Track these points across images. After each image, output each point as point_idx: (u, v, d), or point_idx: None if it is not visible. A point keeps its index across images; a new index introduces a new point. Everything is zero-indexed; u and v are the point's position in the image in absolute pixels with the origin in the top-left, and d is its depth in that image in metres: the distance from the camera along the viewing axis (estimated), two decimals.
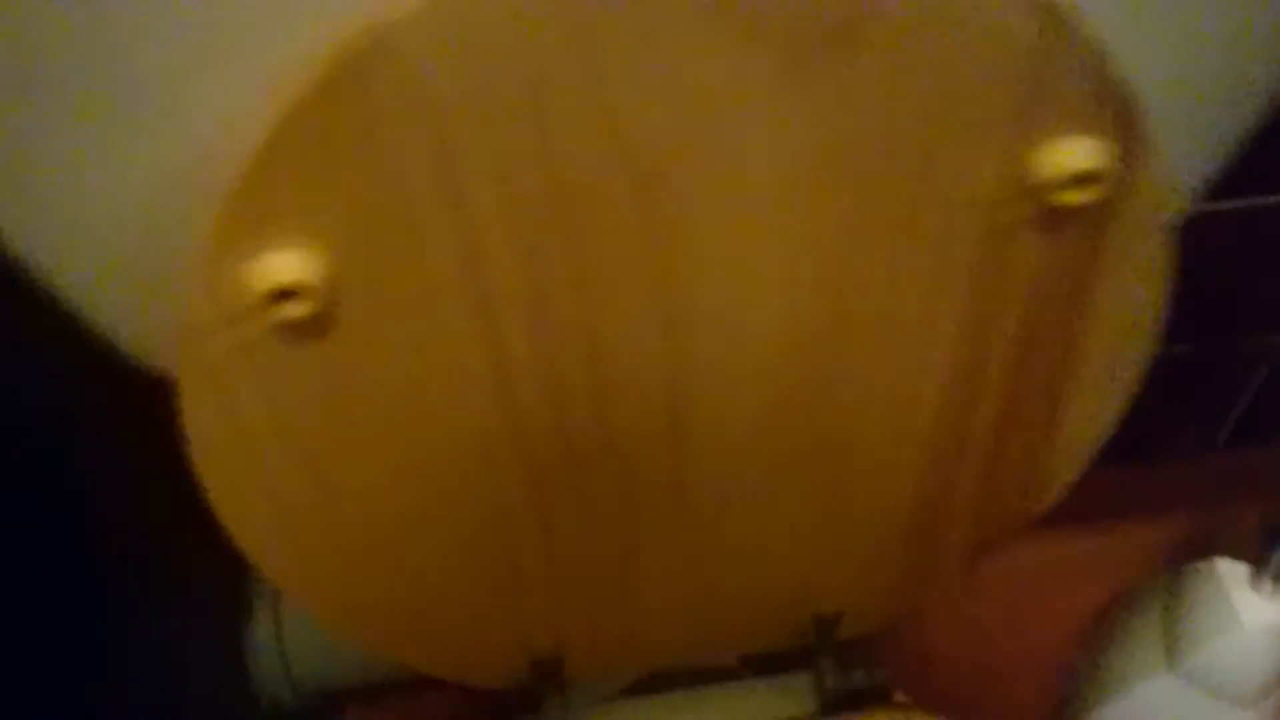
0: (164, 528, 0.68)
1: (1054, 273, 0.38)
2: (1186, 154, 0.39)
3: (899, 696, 0.53)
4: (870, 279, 0.37)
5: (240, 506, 0.41)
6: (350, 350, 0.35)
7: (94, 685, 0.58)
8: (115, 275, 0.36)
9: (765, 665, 0.57)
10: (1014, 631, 0.81)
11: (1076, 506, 0.51)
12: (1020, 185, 0.35)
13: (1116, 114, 0.33)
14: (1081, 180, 0.34)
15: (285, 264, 0.32)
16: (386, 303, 0.34)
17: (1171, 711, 0.67)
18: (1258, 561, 0.63)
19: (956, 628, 0.81)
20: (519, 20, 0.28)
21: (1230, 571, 0.64)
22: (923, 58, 0.31)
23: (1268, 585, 0.63)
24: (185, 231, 0.35)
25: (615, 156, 0.31)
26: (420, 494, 0.42)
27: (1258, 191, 0.66)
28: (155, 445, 0.54)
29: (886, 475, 0.44)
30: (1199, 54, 0.36)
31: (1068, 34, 0.31)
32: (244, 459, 0.39)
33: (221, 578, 0.78)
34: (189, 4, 0.29)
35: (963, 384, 0.41)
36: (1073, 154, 0.33)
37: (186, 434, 0.38)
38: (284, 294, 0.32)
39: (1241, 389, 0.80)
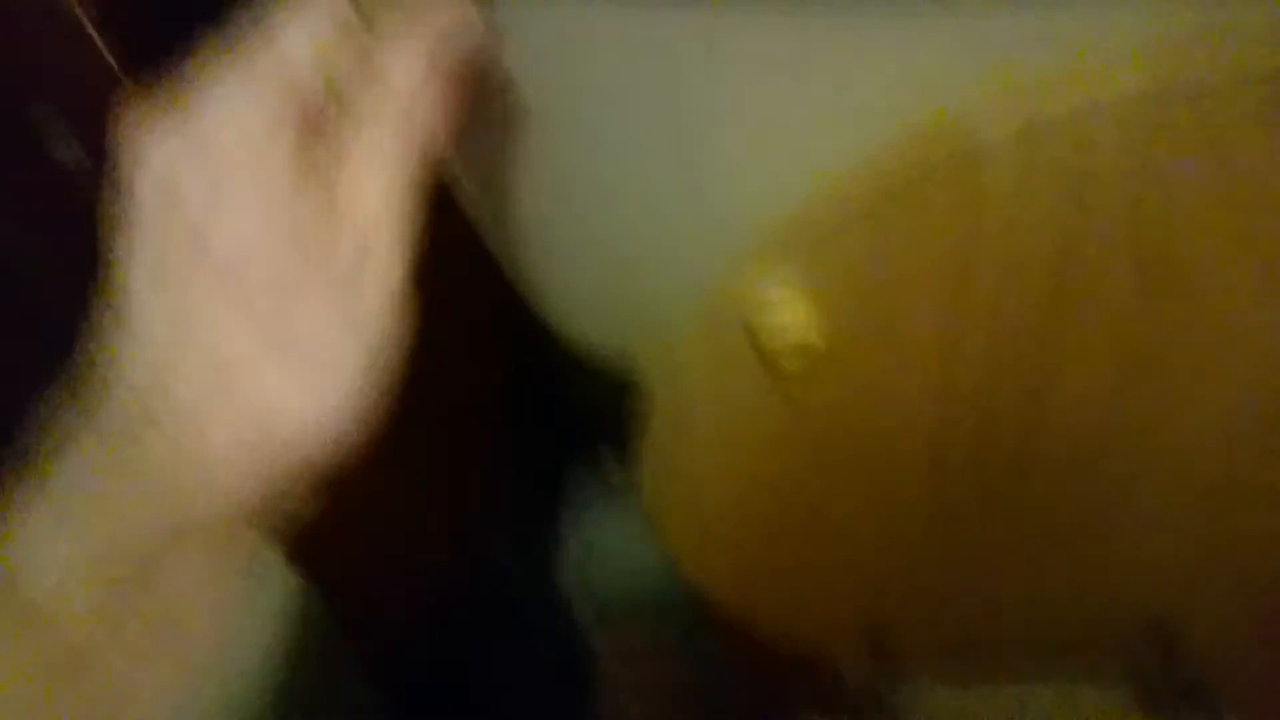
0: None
1: None
2: None
3: None
4: None
5: (667, 490, 0.46)
6: (813, 385, 0.39)
7: None
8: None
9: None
10: None
11: None
12: None
13: None
14: None
15: (798, 322, 0.35)
16: (859, 356, 0.37)
17: None
18: None
19: None
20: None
21: None
22: None
23: None
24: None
25: (1130, 237, 0.32)
26: (833, 496, 0.45)
27: None
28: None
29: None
30: None
31: None
32: (687, 452, 0.43)
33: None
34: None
35: None
36: None
37: (642, 422, 0.42)
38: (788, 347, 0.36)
39: None
